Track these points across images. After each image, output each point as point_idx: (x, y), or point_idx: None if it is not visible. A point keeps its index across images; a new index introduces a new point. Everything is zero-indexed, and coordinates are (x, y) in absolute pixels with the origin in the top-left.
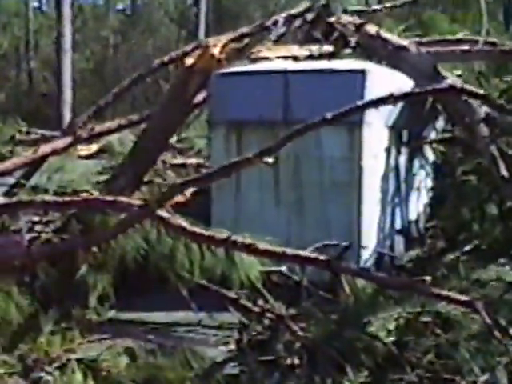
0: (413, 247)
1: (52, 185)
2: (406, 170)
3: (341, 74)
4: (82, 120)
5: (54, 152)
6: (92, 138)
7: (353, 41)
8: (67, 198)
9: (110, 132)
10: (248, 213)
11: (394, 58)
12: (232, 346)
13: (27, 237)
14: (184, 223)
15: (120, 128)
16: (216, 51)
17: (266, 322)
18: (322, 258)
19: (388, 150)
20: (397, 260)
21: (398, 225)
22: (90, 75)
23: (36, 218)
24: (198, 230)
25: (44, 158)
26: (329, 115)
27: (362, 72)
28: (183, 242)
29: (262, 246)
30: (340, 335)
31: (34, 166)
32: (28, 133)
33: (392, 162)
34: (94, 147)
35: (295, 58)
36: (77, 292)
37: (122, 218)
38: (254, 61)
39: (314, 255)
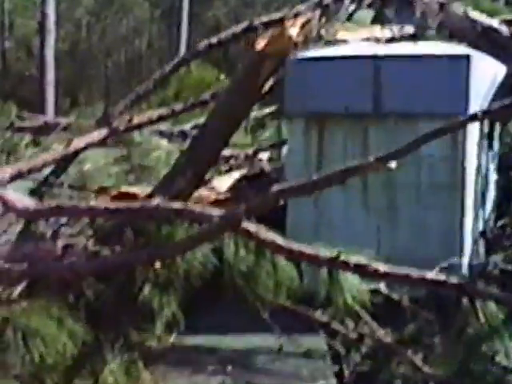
0: (492, 250)
1: (68, 178)
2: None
3: (441, 59)
4: (118, 110)
5: (89, 146)
6: (130, 129)
7: (436, 21)
8: (122, 205)
9: (151, 123)
10: (330, 219)
11: (483, 40)
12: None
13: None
14: (278, 239)
15: (162, 118)
16: (294, 32)
17: (366, 349)
18: (452, 280)
19: (479, 146)
20: (483, 266)
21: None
22: (64, 56)
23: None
24: (296, 247)
25: (77, 153)
26: (478, 111)
27: (467, 57)
28: (267, 258)
29: (381, 267)
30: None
31: (66, 162)
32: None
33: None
34: None
35: (377, 40)
36: (135, 314)
37: (196, 229)
38: (331, 44)
39: (442, 277)
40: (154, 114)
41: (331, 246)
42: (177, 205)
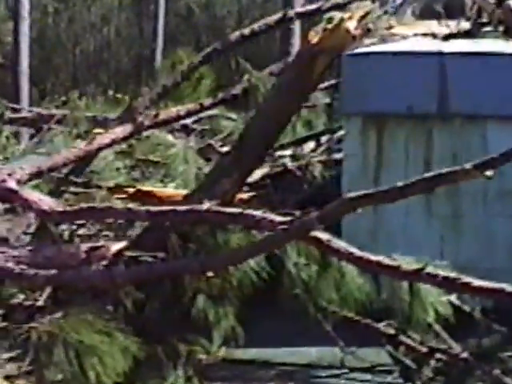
0: None
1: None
2: None
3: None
4: (143, 104)
5: (113, 143)
6: (157, 125)
7: (494, 17)
8: (167, 207)
9: (179, 118)
10: (390, 226)
11: None
12: None
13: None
14: (353, 249)
15: (190, 114)
16: (352, 26)
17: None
18: None
19: None
20: None
21: None
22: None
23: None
24: (374, 258)
25: (100, 150)
26: None
27: None
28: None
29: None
30: None
31: (88, 159)
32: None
33: None
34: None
35: (434, 36)
36: (186, 327)
37: (258, 237)
38: (388, 39)
39: None
40: (182, 109)
41: (389, 254)
42: (232, 209)
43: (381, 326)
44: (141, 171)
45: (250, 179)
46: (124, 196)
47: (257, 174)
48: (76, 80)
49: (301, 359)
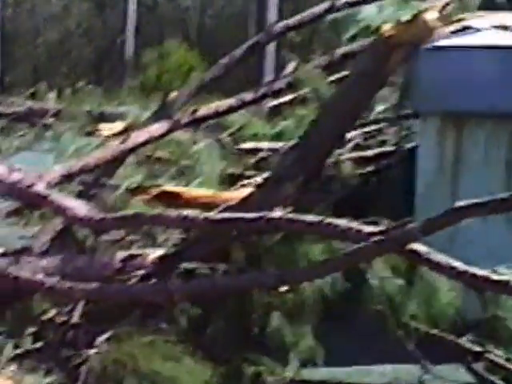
0: None
1: None
2: None
3: None
4: (180, 100)
5: (148, 141)
6: (195, 122)
7: None
8: (229, 215)
9: (218, 115)
10: (466, 232)
11: None
12: None
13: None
14: (454, 262)
15: (231, 110)
16: (431, 17)
17: None
18: None
19: None
20: None
21: None
22: None
23: None
24: (480, 273)
25: (135, 149)
26: None
27: None
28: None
29: None
30: None
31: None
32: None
33: None
34: (118, 125)
35: (505, 28)
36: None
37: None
38: (460, 31)
39: None
40: (222, 104)
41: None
42: (310, 217)
43: (465, 342)
44: (162, 171)
45: None
46: (147, 197)
47: None
48: (37, 72)
49: (376, 379)
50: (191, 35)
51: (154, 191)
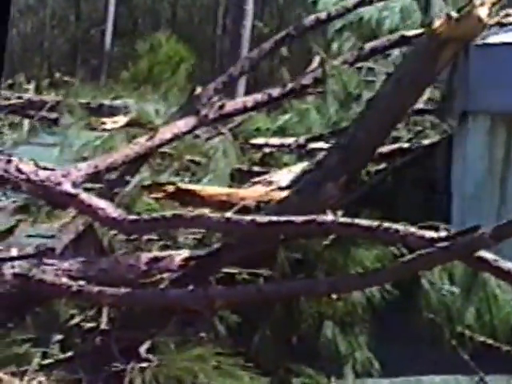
0: None
1: None
2: None
3: None
4: (207, 94)
5: (175, 137)
6: (222, 118)
7: None
8: (275, 218)
9: (245, 110)
10: None
11: None
12: None
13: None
14: None
15: (258, 105)
16: (484, 13)
17: None
18: None
19: None
20: None
21: None
22: None
23: None
24: None
25: (162, 145)
26: None
27: None
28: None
29: None
30: None
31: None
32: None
33: None
34: (121, 119)
35: None
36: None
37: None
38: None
39: None
40: (249, 99)
41: None
42: (366, 222)
43: None
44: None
45: (288, 177)
46: (162, 195)
47: (295, 170)
48: (12, 62)
49: None
50: (163, 25)
51: (169, 188)
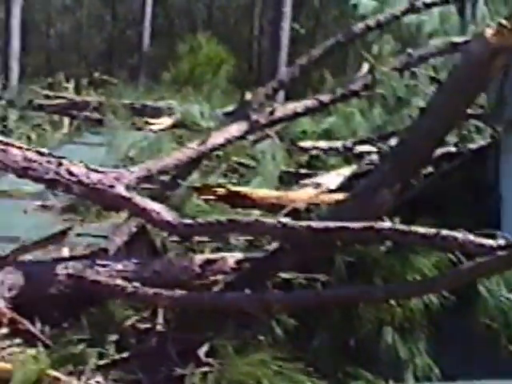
0: None
1: None
2: None
3: None
4: (257, 100)
5: (227, 142)
6: (273, 123)
7: None
8: (338, 224)
9: (296, 116)
10: None
11: None
12: None
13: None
14: None
15: (309, 110)
16: None
17: None
18: None
19: None
20: None
21: None
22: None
23: None
24: None
25: (213, 150)
26: None
27: None
28: None
29: None
30: None
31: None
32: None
33: None
34: (166, 120)
35: None
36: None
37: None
38: None
39: None
40: (299, 105)
41: None
42: (424, 229)
43: None
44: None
45: (337, 180)
46: (212, 197)
47: (343, 173)
48: (50, 62)
49: None
50: (199, 26)
51: (220, 191)
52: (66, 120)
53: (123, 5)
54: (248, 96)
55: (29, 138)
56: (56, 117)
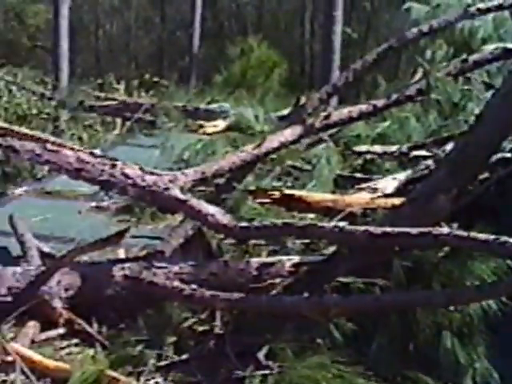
0: None
1: None
2: None
3: None
4: (312, 104)
5: (282, 146)
6: (327, 127)
7: None
8: (396, 229)
9: (351, 120)
10: None
11: None
12: None
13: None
14: None
15: (363, 115)
16: None
17: None
18: None
19: None
20: None
21: None
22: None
23: None
24: None
25: (268, 153)
26: None
27: None
28: None
29: None
30: None
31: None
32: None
33: None
34: (221, 123)
35: None
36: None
37: None
38: None
39: None
40: (354, 110)
41: None
42: (482, 235)
43: None
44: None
45: (393, 184)
46: (268, 200)
47: (400, 177)
48: (99, 63)
49: None
50: (249, 29)
51: (275, 194)
52: (118, 121)
53: (172, 6)
54: (302, 100)
55: (80, 138)
56: (107, 118)
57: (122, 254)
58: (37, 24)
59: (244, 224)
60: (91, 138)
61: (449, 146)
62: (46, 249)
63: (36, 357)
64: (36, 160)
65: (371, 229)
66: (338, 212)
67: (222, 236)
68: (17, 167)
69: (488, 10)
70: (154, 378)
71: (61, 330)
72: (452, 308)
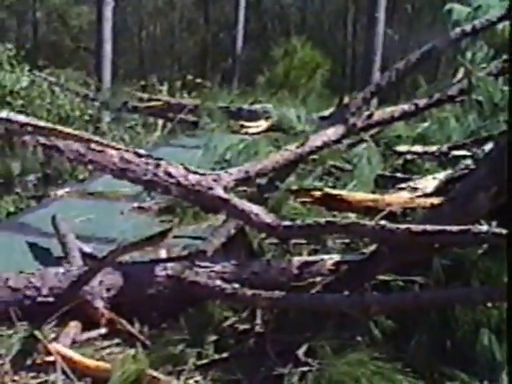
0: None
1: None
2: None
3: None
4: (355, 104)
5: (324, 145)
6: (369, 127)
7: None
8: (435, 227)
9: (393, 120)
10: None
11: None
12: None
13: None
14: None
15: (405, 115)
16: None
17: None
18: None
19: None
20: None
21: None
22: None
23: None
24: None
25: (311, 153)
26: None
27: None
28: None
29: None
30: None
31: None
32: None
33: None
34: (263, 123)
35: None
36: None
37: None
38: None
39: None
40: (396, 109)
41: None
42: None
43: None
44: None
45: (433, 184)
46: (309, 200)
47: (439, 177)
48: (143, 64)
49: None
50: (292, 31)
51: (317, 194)
52: (159, 123)
53: (216, 8)
54: (346, 100)
55: (122, 139)
56: (149, 119)
57: (163, 253)
58: (80, 25)
59: (287, 223)
60: (133, 139)
61: (488, 146)
62: (88, 249)
63: (77, 357)
64: (80, 160)
65: (412, 227)
66: (379, 212)
67: (263, 235)
68: (58, 169)
69: None
70: (193, 376)
71: (102, 330)
72: (490, 305)
